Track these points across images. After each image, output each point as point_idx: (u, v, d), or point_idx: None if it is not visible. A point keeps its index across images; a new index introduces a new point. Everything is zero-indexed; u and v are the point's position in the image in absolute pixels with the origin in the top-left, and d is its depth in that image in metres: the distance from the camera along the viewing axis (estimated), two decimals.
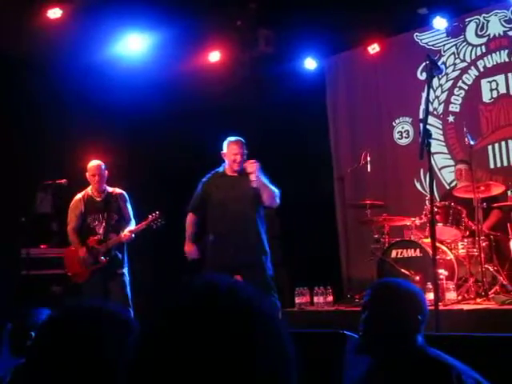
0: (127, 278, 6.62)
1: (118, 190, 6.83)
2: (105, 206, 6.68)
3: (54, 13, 7.70)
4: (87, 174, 6.72)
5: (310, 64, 9.72)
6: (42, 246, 7.99)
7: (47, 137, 8.28)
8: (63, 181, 6.92)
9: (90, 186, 6.77)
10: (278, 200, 6.02)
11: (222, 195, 6.10)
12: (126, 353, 1.29)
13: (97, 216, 6.67)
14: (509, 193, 7.16)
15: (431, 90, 8.70)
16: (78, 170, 7.12)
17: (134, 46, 8.48)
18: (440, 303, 4.85)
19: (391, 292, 2.49)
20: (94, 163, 6.73)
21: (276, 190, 6.00)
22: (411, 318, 2.45)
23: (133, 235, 6.56)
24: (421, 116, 8.86)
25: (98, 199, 6.74)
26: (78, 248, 6.62)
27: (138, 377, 0.97)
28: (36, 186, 7.20)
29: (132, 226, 6.67)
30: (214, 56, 9.30)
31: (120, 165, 8.67)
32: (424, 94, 8.81)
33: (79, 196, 6.76)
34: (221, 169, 6.25)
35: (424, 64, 8.67)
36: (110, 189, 6.81)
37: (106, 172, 6.79)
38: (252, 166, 5.92)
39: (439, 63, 4.59)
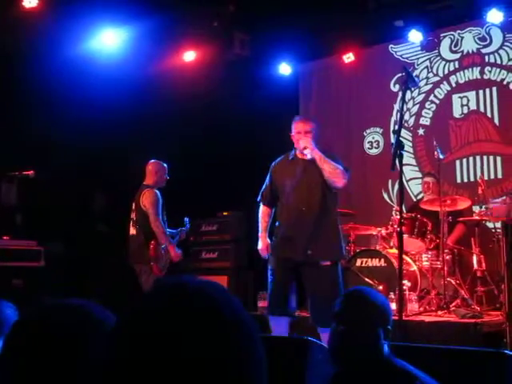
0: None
1: None
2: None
3: (30, 2, 7.61)
4: (160, 172, 6.88)
5: (285, 69, 9.76)
6: (5, 238, 7.89)
7: (16, 127, 8.18)
8: (30, 172, 6.84)
9: (155, 187, 6.84)
10: (343, 178, 5.32)
11: (288, 181, 5.48)
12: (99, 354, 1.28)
13: (165, 213, 6.83)
14: (474, 208, 7.27)
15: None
16: (47, 162, 7.05)
17: (108, 40, 8.43)
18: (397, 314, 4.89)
19: (363, 302, 2.50)
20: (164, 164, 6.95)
21: (340, 167, 5.34)
22: (381, 328, 2.47)
23: None
24: (392, 127, 8.98)
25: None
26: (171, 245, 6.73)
27: (111, 378, 0.97)
28: (1, 177, 7.12)
29: None
30: (189, 55, 9.29)
31: (91, 161, 8.63)
32: (396, 106, 8.93)
33: (155, 189, 6.80)
34: (292, 152, 5.64)
35: (398, 76, 8.84)
36: None
37: None
38: (305, 140, 5.35)
39: (415, 76, 4.64)
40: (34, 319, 1.41)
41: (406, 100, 8.89)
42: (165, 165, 7.03)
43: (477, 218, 6.82)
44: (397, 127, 4.18)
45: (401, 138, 3.87)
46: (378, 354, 2.44)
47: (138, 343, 0.96)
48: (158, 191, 6.82)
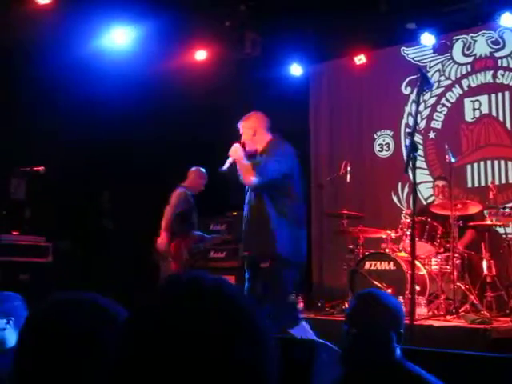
0: None
1: None
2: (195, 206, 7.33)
3: None
4: (193, 176, 7.44)
5: (296, 70, 9.74)
6: (14, 233, 7.90)
7: (27, 124, 8.19)
8: (40, 168, 6.85)
9: (186, 189, 7.31)
10: (249, 178, 5.38)
11: None
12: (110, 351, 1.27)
13: (196, 216, 7.34)
14: (485, 213, 7.23)
15: (414, 105, 8.83)
16: (57, 159, 7.06)
17: (119, 38, 8.43)
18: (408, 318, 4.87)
19: (376, 304, 2.48)
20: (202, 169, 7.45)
21: (250, 169, 5.36)
22: (393, 331, 2.45)
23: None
24: (403, 130, 8.95)
25: (192, 201, 7.37)
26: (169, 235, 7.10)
27: (121, 374, 0.95)
28: (12, 173, 7.13)
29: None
30: (200, 55, 9.28)
31: (99, 159, 8.63)
32: (407, 109, 8.91)
33: (185, 191, 7.30)
34: None
35: (409, 78, 8.81)
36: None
37: None
38: (231, 150, 5.47)
39: (430, 78, 4.61)
40: (50, 313, 1.41)
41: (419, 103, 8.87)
42: (202, 170, 7.31)
43: (488, 222, 6.78)
44: (410, 130, 4.15)
45: (415, 141, 3.84)
46: (389, 357, 2.42)
47: (151, 339, 0.95)
48: (185, 192, 7.22)
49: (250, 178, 5.31)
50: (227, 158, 5.45)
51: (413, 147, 3.79)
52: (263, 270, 5.27)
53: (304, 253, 5.39)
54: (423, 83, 4.16)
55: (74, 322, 1.38)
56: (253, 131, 5.39)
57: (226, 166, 5.46)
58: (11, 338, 3.70)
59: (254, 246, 5.44)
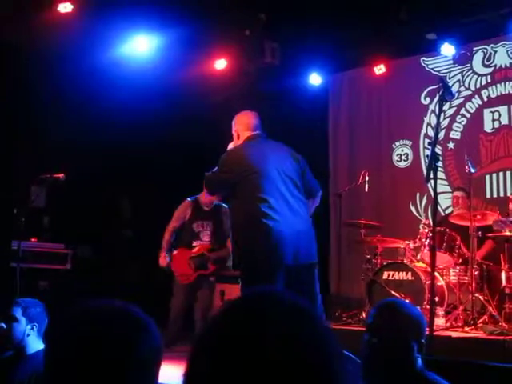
0: (214, 286, 7.22)
1: (223, 205, 7.22)
2: (211, 217, 7.22)
3: (65, 7, 7.72)
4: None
5: (315, 79, 9.77)
6: (33, 240, 7.98)
7: (47, 131, 8.28)
8: (60, 175, 6.89)
9: (201, 195, 7.21)
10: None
11: None
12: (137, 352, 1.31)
13: (202, 224, 7.19)
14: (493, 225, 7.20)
15: (434, 116, 8.85)
16: (77, 166, 7.13)
17: (140, 46, 8.50)
18: (427, 328, 4.87)
19: (397, 313, 2.49)
20: None
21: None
22: (414, 341, 2.46)
23: None
24: (422, 140, 8.95)
25: (206, 208, 7.25)
26: (163, 250, 7.14)
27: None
28: (32, 180, 7.20)
29: None
30: (220, 63, 9.34)
31: (119, 166, 8.70)
32: (426, 119, 8.91)
33: (189, 200, 7.28)
34: None
35: (429, 89, 8.82)
36: (217, 202, 7.27)
37: None
38: None
39: (452, 88, 4.62)
40: (85, 322, 1.44)
41: (437, 112, 8.86)
42: None
43: (507, 233, 6.76)
44: (430, 140, 4.16)
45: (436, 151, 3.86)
46: (411, 367, 2.43)
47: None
48: (190, 201, 7.23)
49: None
50: None
51: (434, 157, 3.80)
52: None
53: (266, 256, 4.80)
54: (445, 93, 4.16)
55: (111, 331, 1.41)
56: (236, 134, 5.17)
57: None
58: (34, 344, 3.75)
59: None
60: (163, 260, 7.11)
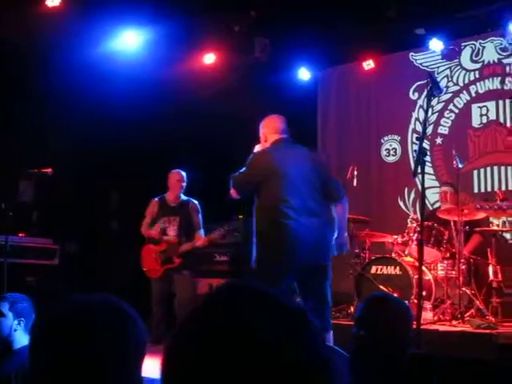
0: (190, 280, 7.33)
1: (191, 200, 7.45)
2: (177, 212, 7.33)
3: (53, 1, 7.67)
4: (171, 178, 7.41)
5: (304, 75, 9.78)
6: (21, 235, 7.93)
7: (35, 125, 8.24)
8: (48, 170, 6.86)
9: (168, 193, 7.45)
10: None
11: None
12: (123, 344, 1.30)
13: (168, 219, 7.32)
14: (491, 219, 7.23)
15: (422, 111, 8.86)
16: (65, 161, 7.10)
17: (129, 41, 8.47)
18: (415, 322, 4.88)
19: (386, 307, 2.49)
20: (179, 171, 7.45)
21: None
22: (405, 335, 2.46)
23: (206, 243, 7.34)
24: (410, 135, 8.98)
25: (172, 204, 7.41)
26: (156, 235, 7.29)
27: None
28: (20, 174, 7.16)
29: (202, 233, 7.37)
30: (209, 58, 9.31)
31: (107, 161, 8.67)
32: (415, 114, 8.93)
33: (156, 199, 7.46)
34: None
35: (418, 84, 8.83)
36: (184, 197, 7.44)
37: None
38: None
39: (440, 83, 4.62)
40: (75, 315, 1.43)
41: (425, 108, 8.88)
42: (174, 171, 7.46)
43: (494, 228, 6.78)
44: (418, 135, 4.17)
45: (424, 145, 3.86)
46: (398, 360, 2.43)
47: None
48: (155, 200, 7.47)
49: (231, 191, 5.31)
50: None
51: (421, 152, 3.81)
52: None
53: (283, 257, 5.01)
54: (433, 88, 4.17)
55: (97, 324, 1.40)
56: (264, 136, 5.40)
57: None
58: (21, 339, 3.74)
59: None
60: (155, 232, 7.31)
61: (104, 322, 1.41)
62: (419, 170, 3.91)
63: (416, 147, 3.97)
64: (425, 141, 8.73)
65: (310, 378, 0.97)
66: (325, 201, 5.13)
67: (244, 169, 5.19)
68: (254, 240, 5.14)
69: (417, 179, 7.56)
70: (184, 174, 7.47)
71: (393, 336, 2.45)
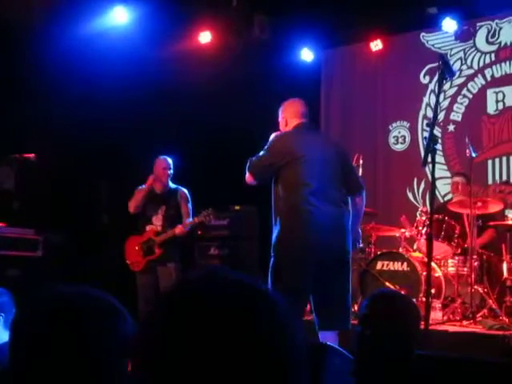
0: (175, 273, 7.22)
1: (180, 188, 7.47)
2: (163, 200, 7.37)
3: None
4: (156, 166, 7.42)
5: (307, 55, 9.75)
6: (1, 225, 7.91)
7: (18, 107, 8.20)
8: (31, 155, 6.84)
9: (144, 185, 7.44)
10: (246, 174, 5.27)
11: None
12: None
13: (154, 208, 7.37)
14: (506, 212, 7.23)
15: (433, 96, 8.84)
16: (49, 146, 7.07)
17: (120, 17, 8.45)
18: (423, 322, 4.87)
19: (393, 305, 2.49)
20: (165, 158, 7.45)
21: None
22: (412, 335, 2.46)
23: (186, 229, 7.25)
24: (420, 122, 8.95)
25: (159, 192, 7.42)
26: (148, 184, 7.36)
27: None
28: (0, 160, 7.13)
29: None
30: (205, 37, 9.28)
31: (95, 146, 8.64)
32: (426, 99, 8.92)
33: (143, 186, 7.44)
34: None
35: (429, 67, 8.81)
36: (173, 185, 7.47)
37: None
38: None
39: (453, 66, 4.59)
40: (65, 308, 1.43)
41: (436, 92, 8.87)
42: (160, 158, 7.48)
43: (510, 222, 6.78)
44: (429, 121, 4.16)
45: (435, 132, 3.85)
46: (406, 360, 2.43)
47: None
48: (138, 189, 7.45)
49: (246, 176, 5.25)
50: None
51: (432, 139, 3.79)
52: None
53: (303, 245, 5.17)
54: (445, 71, 4.14)
55: (82, 319, 1.40)
56: (284, 120, 5.40)
57: None
58: (0, 335, 3.73)
59: None
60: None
61: (89, 316, 1.41)
62: (429, 159, 3.89)
63: (426, 134, 3.95)
64: (436, 128, 8.79)
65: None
66: (344, 190, 5.17)
67: (264, 152, 5.20)
68: (275, 228, 5.12)
69: (426, 169, 7.54)
70: (170, 160, 7.47)
71: (399, 336, 2.44)
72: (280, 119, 5.45)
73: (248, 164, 5.19)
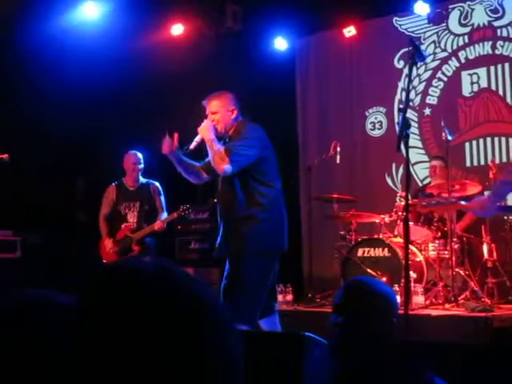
0: None
1: (152, 182, 7.49)
2: (137, 196, 7.40)
3: None
4: (126, 161, 7.46)
5: (281, 44, 9.71)
6: None
7: None
8: (4, 156, 6.76)
9: (125, 177, 7.54)
10: (219, 164, 4.91)
11: None
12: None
13: (128, 205, 7.39)
14: (485, 193, 7.25)
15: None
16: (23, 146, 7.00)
17: (90, 12, 8.38)
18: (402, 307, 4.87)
19: (367, 292, 2.47)
20: (135, 152, 7.47)
21: (222, 151, 4.93)
22: (387, 321, 2.45)
23: (165, 225, 7.24)
24: (396, 106, 8.95)
25: (131, 189, 7.48)
26: (104, 238, 7.39)
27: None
28: None
29: (164, 216, 7.34)
30: (177, 29, 9.22)
31: (71, 144, 8.58)
32: (401, 84, 8.91)
33: (113, 184, 7.52)
34: None
35: (403, 51, 8.80)
36: (143, 180, 7.48)
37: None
38: (202, 127, 5.13)
39: (423, 49, 4.57)
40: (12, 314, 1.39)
41: (412, 77, 8.87)
42: (129, 153, 7.52)
43: None
44: (402, 106, 4.15)
45: (407, 117, 3.84)
46: (380, 348, 2.41)
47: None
48: (113, 184, 7.56)
49: (223, 166, 4.92)
50: (196, 135, 5.19)
51: (405, 124, 3.78)
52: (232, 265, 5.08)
53: (283, 241, 5.17)
54: (415, 55, 4.13)
55: (29, 319, 1.35)
56: (220, 113, 5.14)
57: (192, 145, 5.21)
58: None
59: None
60: (108, 245, 7.35)
61: (52, 322, 1.36)
62: (403, 144, 3.89)
63: (400, 118, 3.94)
64: (412, 112, 8.81)
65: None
66: None
67: (249, 143, 5.01)
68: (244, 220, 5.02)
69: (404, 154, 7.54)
70: (140, 155, 7.47)
71: (374, 323, 2.43)
72: (227, 110, 5.17)
73: (231, 154, 4.90)
